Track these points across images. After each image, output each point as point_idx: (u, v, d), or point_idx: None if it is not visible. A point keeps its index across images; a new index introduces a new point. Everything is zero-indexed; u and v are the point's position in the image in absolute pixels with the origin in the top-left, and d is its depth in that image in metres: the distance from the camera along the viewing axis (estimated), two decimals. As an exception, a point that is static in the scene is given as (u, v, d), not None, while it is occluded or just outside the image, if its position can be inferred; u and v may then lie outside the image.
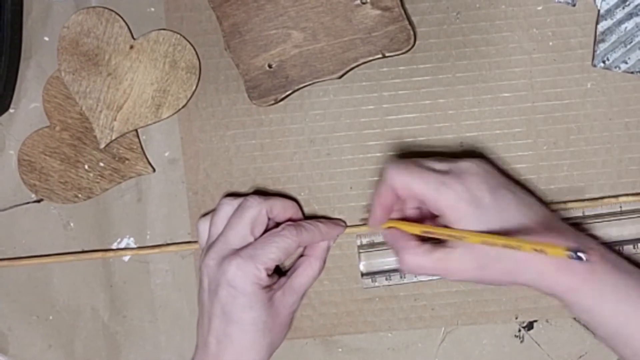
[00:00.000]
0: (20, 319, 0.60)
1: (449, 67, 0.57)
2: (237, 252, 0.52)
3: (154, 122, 0.58)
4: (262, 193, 0.57)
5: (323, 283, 0.58)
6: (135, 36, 0.58)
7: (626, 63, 0.55)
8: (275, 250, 0.52)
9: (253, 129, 0.59)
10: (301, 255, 0.57)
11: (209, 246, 0.54)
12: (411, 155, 0.57)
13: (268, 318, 0.52)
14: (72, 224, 0.60)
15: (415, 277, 0.57)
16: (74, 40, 0.58)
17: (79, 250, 0.60)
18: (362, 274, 0.58)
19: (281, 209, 0.55)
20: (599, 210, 0.57)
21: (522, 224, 0.49)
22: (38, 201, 0.60)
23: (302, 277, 0.55)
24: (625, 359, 0.50)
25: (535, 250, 0.45)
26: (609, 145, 0.57)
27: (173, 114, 0.58)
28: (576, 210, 0.57)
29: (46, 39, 0.60)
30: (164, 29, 0.58)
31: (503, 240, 0.47)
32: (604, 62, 0.56)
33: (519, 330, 0.58)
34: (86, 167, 0.59)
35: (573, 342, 0.57)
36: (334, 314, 0.58)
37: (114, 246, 0.60)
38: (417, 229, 0.51)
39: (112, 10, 0.58)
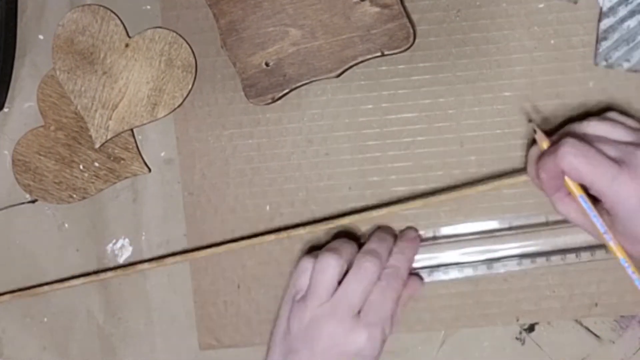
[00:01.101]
0: (14, 321, 0.60)
1: (449, 65, 0.57)
2: (359, 319, 0.51)
3: (150, 122, 0.57)
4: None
5: (321, 285, 0.57)
6: (130, 34, 0.58)
7: (629, 61, 0.55)
8: (392, 306, 0.52)
9: (250, 128, 0.58)
10: None
11: (303, 299, 0.52)
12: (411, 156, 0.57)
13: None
14: (66, 225, 0.59)
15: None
16: (69, 39, 0.57)
17: (73, 249, 0.59)
18: (361, 276, 0.57)
19: (352, 256, 0.54)
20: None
21: None
22: (32, 201, 0.59)
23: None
24: None
25: None
26: (612, 145, 0.56)
27: (169, 113, 0.57)
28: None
29: (41, 37, 0.59)
30: (160, 27, 0.58)
31: None
32: (606, 60, 0.55)
33: (520, 333, 0.57)
34: (81, 167, 0.58)
35: (575, 344, 0.57)
36: (332, 316, 0.58)
37: (109, 246, 0.59)
38: (579, 192, 0.49)
39: (107, 8, 0.57)
